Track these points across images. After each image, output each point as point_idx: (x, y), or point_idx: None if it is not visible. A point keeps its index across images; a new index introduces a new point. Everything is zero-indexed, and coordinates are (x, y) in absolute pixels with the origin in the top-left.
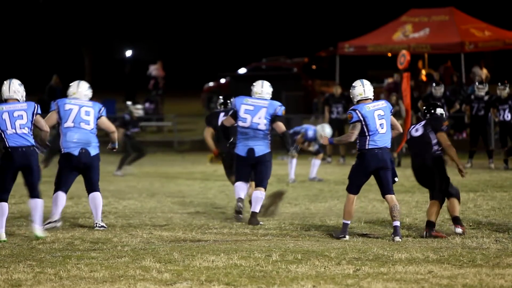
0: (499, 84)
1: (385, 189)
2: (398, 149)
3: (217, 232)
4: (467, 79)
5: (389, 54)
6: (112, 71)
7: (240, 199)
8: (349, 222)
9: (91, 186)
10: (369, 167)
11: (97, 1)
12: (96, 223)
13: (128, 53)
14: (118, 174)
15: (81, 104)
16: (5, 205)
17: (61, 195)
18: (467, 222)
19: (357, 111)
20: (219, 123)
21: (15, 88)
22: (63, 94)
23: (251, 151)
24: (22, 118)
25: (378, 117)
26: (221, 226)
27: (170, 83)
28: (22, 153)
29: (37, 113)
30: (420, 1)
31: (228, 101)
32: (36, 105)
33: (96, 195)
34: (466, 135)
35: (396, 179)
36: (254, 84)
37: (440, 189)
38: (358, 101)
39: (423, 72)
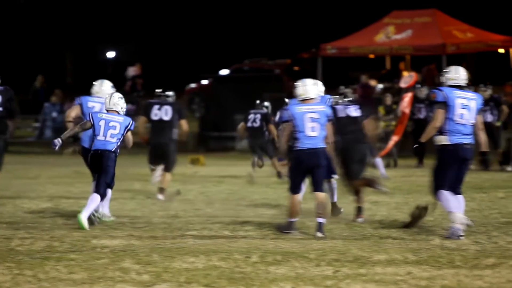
0: (481, 85)
1: (316, 186)
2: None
3: (197, 234)
4: None
5: (371, 56)
6: (94, 72)
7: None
8: (295, 219)
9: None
10: (303, 165)
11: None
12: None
13: (110, 54)
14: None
15: (102, 102)
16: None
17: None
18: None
19: (288, 110)
20: (152, 114)
21: (115, 101)
22: (47, 94)
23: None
24: (115, 129)
25: (310, 119)
26: (201, 228)
27: (152, 85)
28: (97, 155)
29: (129, 129)
30: (403, 3)
31: (162, 94)
32: (131, 121)
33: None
34: None
35: (333, 176)
36: None
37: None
38: (301, 101)
39: (405, 74)
